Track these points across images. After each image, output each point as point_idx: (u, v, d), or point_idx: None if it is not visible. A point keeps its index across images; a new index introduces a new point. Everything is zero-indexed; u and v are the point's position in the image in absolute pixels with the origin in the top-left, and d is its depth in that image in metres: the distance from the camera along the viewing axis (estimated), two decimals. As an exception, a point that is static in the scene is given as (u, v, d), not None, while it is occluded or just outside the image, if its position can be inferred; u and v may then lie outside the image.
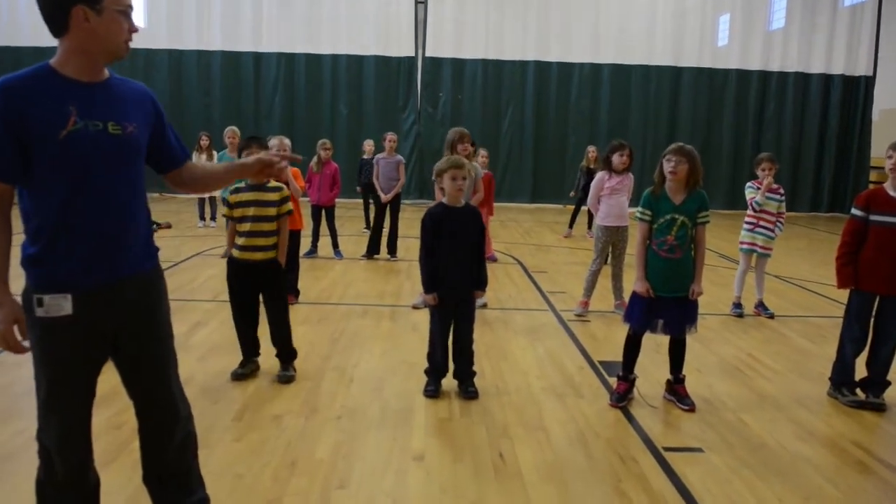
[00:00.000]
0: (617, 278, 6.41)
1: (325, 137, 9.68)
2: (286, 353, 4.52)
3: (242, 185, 4.50)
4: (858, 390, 4.40)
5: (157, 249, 2.41)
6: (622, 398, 4.21)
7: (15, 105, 2.05)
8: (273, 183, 4.50)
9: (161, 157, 2.42)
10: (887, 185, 4.28)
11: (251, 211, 4.40)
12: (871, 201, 4.28)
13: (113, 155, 2.18)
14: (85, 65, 2.15)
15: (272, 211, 4.43)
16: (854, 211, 4.36)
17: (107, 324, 2.25)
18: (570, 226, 11.59)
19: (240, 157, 4.62)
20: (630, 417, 4.04)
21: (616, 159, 6.32)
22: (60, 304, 2.15)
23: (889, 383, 4.36)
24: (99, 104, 2.17)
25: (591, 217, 11.34)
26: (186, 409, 2.48)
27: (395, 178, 8.89)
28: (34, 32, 13.77)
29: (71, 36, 2.11)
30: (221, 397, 4.14)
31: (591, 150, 11.44)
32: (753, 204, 6.39)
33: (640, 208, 4.22)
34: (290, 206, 4.55)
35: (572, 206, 11.84)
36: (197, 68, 16.05)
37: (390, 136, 9.32)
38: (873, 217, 4.26)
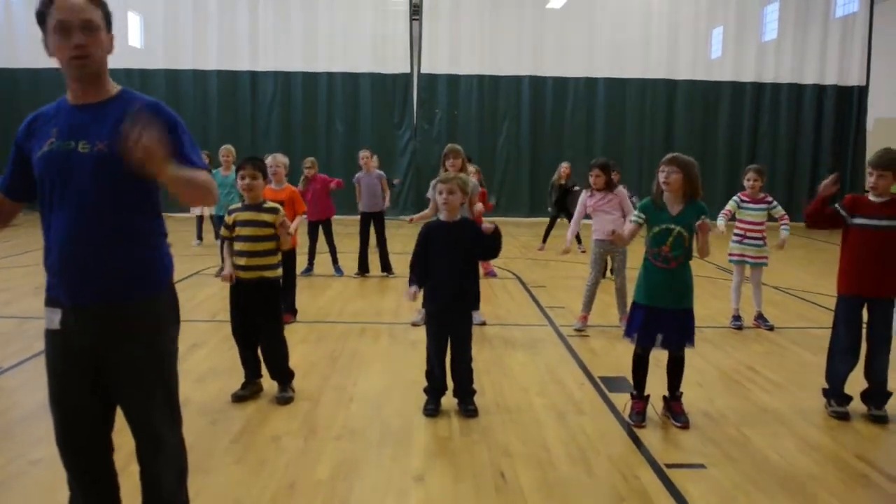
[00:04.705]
0: (621, 293, 6.39)
1: (321, 154, 9.70)
2: (282, 376, 4.49)
3: (238, 205, 4.52)
4: (870, 404, 4.35)
5: (159, 279, 2.32)
6: (643, 416, 4.16)
7: (24, 133, 2.27)
8: (269, 204, 4.53)
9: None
10: (870, 195, 4.34)
11: (247, 231, 4.41)
12: (855, 205, 4.32)
13: (82, 172, 2.15)
14: (72, 88, 2.22)
15: (268, 231, 4.42)
16: (838, 207, 4.40)
17: (86, 344, 2.25)
18: (544, 240, 11.52)
19: (237, 175, 4.63)
20: (632, 434, 4.01)
21: (591, 179, 6.40)
22: (52, 318, 2.26)
23: (890, 394, 4.33)
24: (77, 125, 2.18)
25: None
26: (175, 437, 2.42)
27: (378, 194, 8.82)
28: (30, 54, 13.80)
29: None
30: (219, 419, 4.11)
31: (564, 167, 11.43)
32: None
33: (636, 212, 4.27)
34: (283, 216, 4.46)
35: (559, 219, 11.71)
36: (193, 88, 16.09)
37: (363, 153, 9.04)
38: (856, 220, 4.29)
